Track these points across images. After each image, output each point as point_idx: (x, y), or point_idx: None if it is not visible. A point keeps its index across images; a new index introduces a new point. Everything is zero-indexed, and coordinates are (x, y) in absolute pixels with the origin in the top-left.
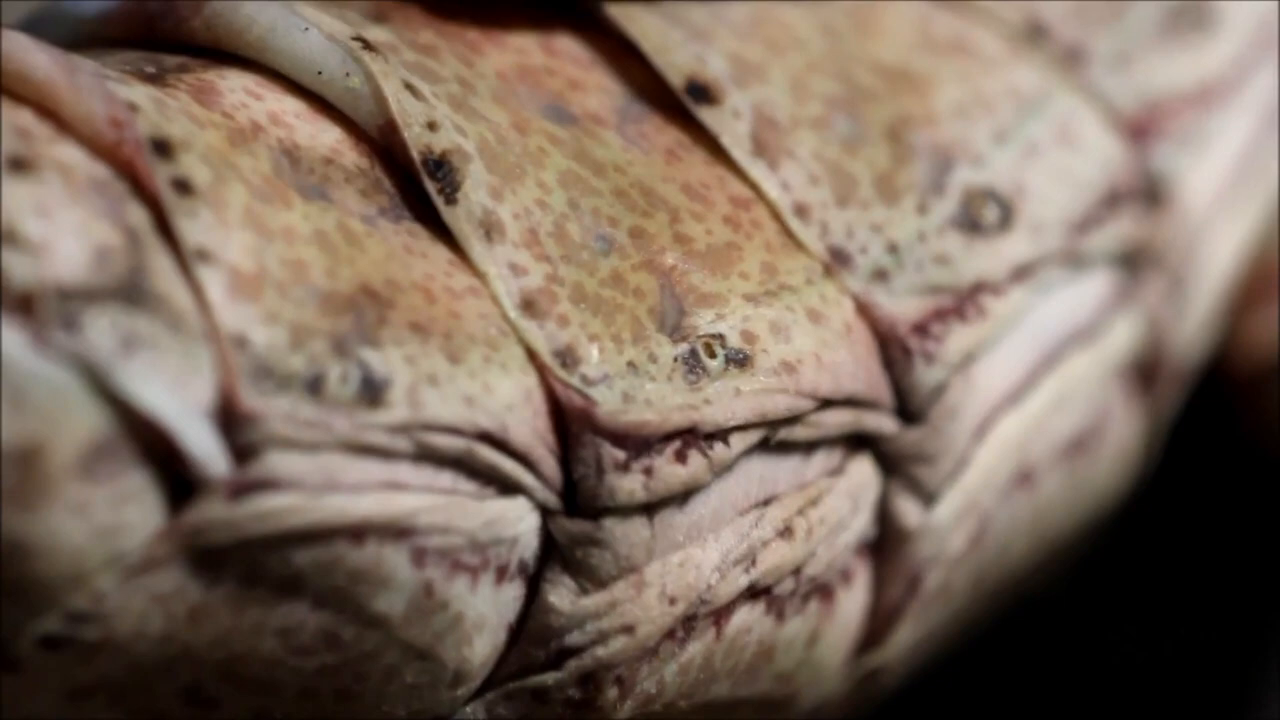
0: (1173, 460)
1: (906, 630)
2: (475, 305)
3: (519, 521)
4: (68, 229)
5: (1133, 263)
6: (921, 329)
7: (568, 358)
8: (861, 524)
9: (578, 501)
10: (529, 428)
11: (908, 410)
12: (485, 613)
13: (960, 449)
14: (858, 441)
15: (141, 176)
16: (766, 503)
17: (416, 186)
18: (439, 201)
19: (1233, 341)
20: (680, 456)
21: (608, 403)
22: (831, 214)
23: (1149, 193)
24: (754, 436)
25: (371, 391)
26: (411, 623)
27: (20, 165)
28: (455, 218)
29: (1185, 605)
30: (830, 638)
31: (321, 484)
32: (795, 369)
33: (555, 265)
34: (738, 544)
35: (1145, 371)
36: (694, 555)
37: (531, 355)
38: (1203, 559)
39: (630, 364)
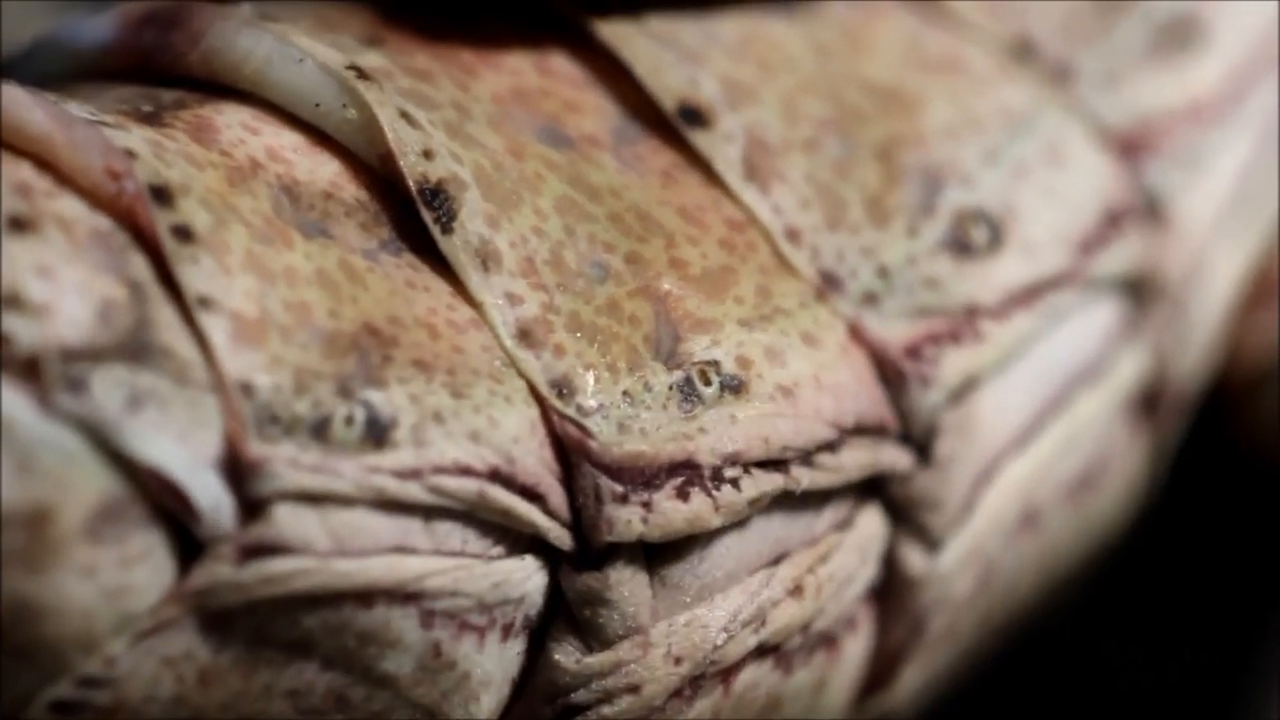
0: (1177, 484)
1: (913, 672)
2: (478, 338)
3: (526, 581)
4: (70, 287)
5: (1138, 291)
6: (914, 352)
7: (564, 388)
8: (868, 575)
9: (582, 534)
10: (535, 458)
11: (912, 436)
12: (491, 670)
13: (966, 494)
14: (867, 489)
15: (143, 225)
16: (777, 561)
17: (417, 217)
18: (435, 231)
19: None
20: (682, 494)
21: (603, 433)
22: (822, 237)
23: (1150, 211)
24: (768, 484)
25: (377, 432)
26: (419, 682)
27: (21, 225)
28: (452, 247)
29: (1190, 629)
30: (836, 684)
31: (330, 549)
32: (792, 393)
33: (551, 294)
34: (747, 604)
35: (1149, 401)
36: (701, 616)
37: (533, 386)
38: (1207, 582)
39: (626, 393)
